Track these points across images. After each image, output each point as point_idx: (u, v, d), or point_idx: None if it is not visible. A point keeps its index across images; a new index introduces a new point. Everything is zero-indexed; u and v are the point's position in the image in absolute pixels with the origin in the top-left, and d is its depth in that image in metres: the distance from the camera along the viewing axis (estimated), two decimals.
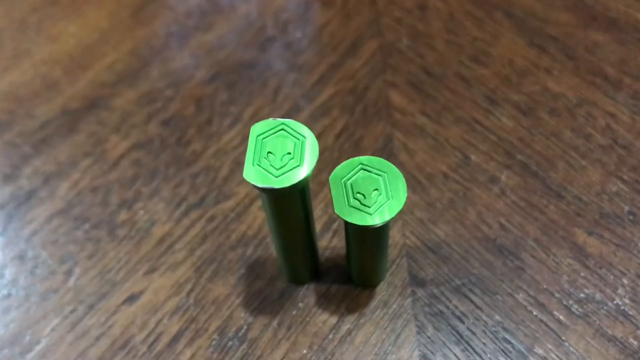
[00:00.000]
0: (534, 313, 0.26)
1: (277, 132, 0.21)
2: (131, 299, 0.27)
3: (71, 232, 0.30)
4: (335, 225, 0.29)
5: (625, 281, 0.27)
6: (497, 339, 0.26)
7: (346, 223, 0.21)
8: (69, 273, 0.28)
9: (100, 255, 0.29)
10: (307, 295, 0.27)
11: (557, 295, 0.26)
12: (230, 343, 0.26)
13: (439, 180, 0.30)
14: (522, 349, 0.25)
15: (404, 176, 0.22)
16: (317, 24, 0.37)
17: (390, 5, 0.38)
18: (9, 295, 0.28)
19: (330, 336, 0.26)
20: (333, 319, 0.26)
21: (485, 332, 0.26)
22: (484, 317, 0.26)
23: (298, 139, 0.21)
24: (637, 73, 0.33)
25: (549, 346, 0.25)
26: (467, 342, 0.26)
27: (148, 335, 0.27)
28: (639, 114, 0.32)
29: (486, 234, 0.28)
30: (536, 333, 0.26)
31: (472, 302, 0.26)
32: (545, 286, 0.27)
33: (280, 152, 0.20)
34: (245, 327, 0.26)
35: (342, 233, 0.29)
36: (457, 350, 0.25)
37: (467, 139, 0.31)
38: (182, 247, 0.29)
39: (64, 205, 0.31)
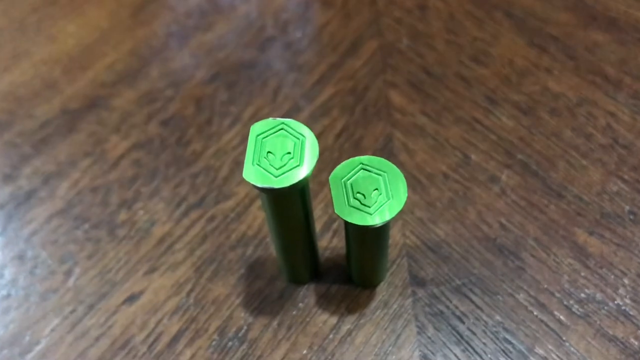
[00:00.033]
0: (535, 313, 0.26)
1: (277, 131, 0.21)
2: (131, 299, 0.27)
3: (71, 232, 0.30)
4: (335, 225, 0.29)
5: (626, 281, 0.27)
6: (497, 339, 0.25)
7: (346, 223, 0.21)
8: (68, 273, 0.28)
9: (100, 255, 0.29)
10: (307, 295, 0.27)
11: (557, 295, 0.26)
12: (230, 343, 0.26)
13: (439, 180, 0.30)
14: (523, 349, 0.25)
15: (404, 176, 0.22)
16: (317, 24, 0.37)
17: (390, 5, 0.38)
18: (8, 295, 0.28)
19: (331, 336, 0.26)
20: (333, 319, 0.26)
21: (485, 332, 0.26)
22: (485, 317, 0.26)
23: (298, 139, 0.21)
24: (638, 73, 0.33)
25: (550, 346, 0.25)
26: (467, 343, 0.25)
27: (148, 336, 0.27)
28: None
29: (486, 233, 0.28)
30: (537, 333, 0.25)
31: (473, 302, 0.26)
32: (545, 286, 0.27)
33: (280, 152, 0.20)
34: (245, 327, 0.26)
35: (342, 233, 0.29)
36: (457, 351, 0.25)
37: (467, 139, 0.31)
38: (182, 247, 0.29)
39: (63, 205, 0.30)
